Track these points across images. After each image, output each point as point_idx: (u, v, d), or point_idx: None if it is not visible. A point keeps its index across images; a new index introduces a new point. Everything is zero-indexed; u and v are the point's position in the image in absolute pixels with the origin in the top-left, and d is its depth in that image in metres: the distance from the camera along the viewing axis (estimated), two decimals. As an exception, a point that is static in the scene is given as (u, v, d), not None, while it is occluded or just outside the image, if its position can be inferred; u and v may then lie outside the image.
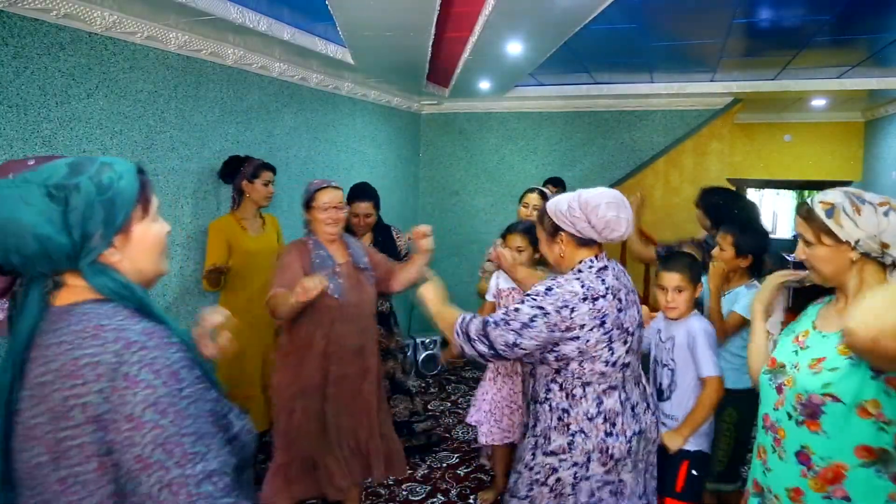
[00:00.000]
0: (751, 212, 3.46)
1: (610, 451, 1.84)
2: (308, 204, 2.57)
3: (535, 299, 1.80)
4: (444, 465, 3.63)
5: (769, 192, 9.90)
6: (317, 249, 2.52)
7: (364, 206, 3.39)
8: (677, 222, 6.19)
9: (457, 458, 3.69)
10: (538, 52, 3.72)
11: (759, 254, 2.58)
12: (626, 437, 1.85)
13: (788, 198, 10.02)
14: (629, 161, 5.41)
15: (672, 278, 2.30)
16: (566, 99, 5.33)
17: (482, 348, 1.81)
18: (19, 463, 0.88)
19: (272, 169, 3.17)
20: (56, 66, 2.48)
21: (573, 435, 1.85)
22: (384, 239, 3.49)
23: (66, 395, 0.84)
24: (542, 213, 1.93)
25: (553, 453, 1.87)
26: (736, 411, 2.40)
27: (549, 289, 1.80)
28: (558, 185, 4.63)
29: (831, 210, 1.40)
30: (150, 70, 2.91)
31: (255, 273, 3.01)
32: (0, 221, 0.88)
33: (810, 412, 1.41)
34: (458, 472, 3.55)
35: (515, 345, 1.77)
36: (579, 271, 1.85)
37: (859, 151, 6.33)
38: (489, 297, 3.07)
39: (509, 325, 1.78)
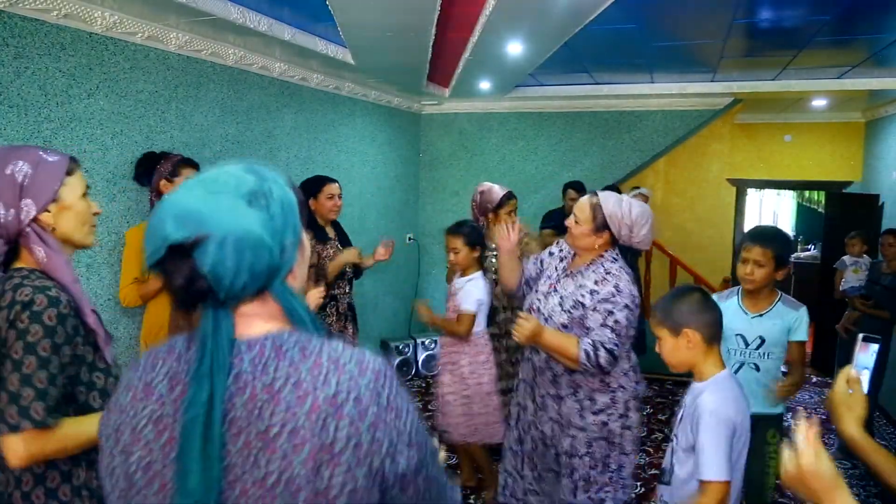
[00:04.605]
0: None
1: (638, 396, 2.30)
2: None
3: (616, 302, 2.14)
4: (444, 465, 3.63)
5: (769, 192, 9.90)
6: None
7: (338, 187, 3.36)
8: (678, 223, 6.20)
9: (456, 458, 3.69)
10: (538, 52, 3.72)
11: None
12: (643, 382, 2.35)
13: (788, 198, 10.03)
14: (629, 161, 5.41)
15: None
16: (566, 99, 5.33)
17: (608, 367, 2.15)
18: None
19: (195, 165, 2.75)
20: (57, 66, 2.49)
21: (613, 391, 2.24)
22: (340, 229, 3.52)
23: (332, 440, 0.74)
24: (598, 205, 2.20)
25: (601, 410, 2.24)
26: (778, 432, 2.41)
27: (618, 286, 2.15)
28: (581, 190, 4.63)
29: None
30: (150, 70, 2.91)
31: None
32: (234, 234, 0.75)
33: None
34: (458, 472, 3.55)
35: (623, 345, 2.17)
36: (615, 259, 2.24)
37: (859, 151, 6.32)
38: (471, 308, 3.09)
39: (620, 336, 2.14)
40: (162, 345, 0.86)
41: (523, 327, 2.10)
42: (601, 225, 2.20)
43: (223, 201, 0.77)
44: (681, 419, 1.75)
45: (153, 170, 2.70)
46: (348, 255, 3.26)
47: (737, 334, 2.42)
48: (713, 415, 1.59)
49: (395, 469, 0.78)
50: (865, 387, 1.29)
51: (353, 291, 3.51)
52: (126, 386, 0.83)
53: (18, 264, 1.33)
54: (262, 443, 0.74)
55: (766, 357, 2.38)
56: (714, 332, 1.69)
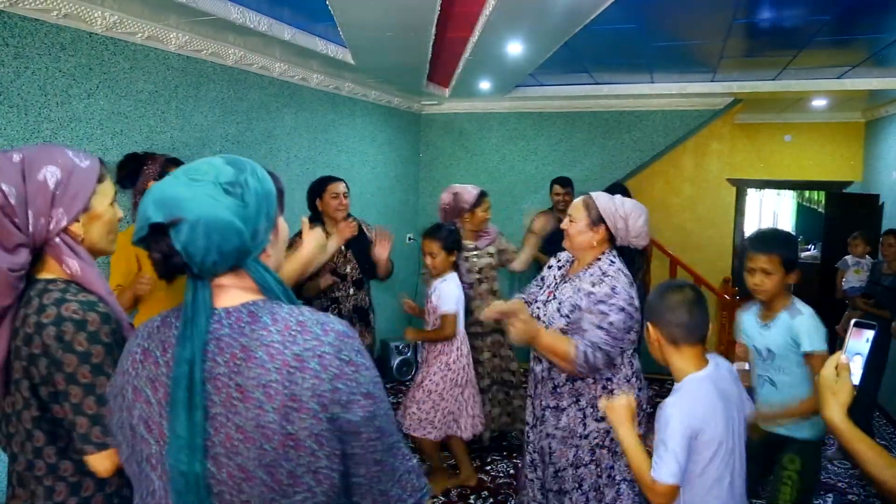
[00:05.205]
0: None
1: (641, 404, 2.22)
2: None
3: (611, 304, 2.09)
4: (444, 465, 3.63)
5: (769, 192, 9.90)
6: None
7: (344, 186, 3.28)
8: (678, 223, 6.19)
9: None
10: (538, 52, 3.72)
11: None
12: (646, 389, 2.28)
13: (788, 198, 10.03)
14: (629, 161, 5.41)
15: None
16: (566, 99, 5.33)
17: (605, 370, 2.16)
18: (222, 470, 0.87)
19: (181, 164, 2.71)
20: (57, 66, 2.48)
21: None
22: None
23: (298, 391, 0.86)
24: (591, 200, 2.23)
25: (603, 418, 2.13)
26: (799, 458, 2.19)
27: (614, 288, 2.11)
28: (567, 185, 4.62)
29: None
30: (150, 70, 2.91)
31: (177, 287, 2.58)
32: (205, 218, 0.87)
33: None
34: (458, 472, 3.55)
35: (624, 351, 2.16)
36: (612, 262, 2.19)
37: (859, 151, 6.32)
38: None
39: (618, 340, 2.10)
40: (156, 317, 0.99)
41: (517, 327, 2.04)
42: (596, 219, 2.20)
43: (201, 189, 0.89)
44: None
45: (138, 171, 2.59)
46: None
47: (754, 346, 2.28)
48: (669, 418, 1.56)
49: (350, 417, 0.89)
50: (858, 372, 1.25)
51: (361, 294, 3.39)
52: (127, 352, 0.98)
53: (45, 274, 1.26)
54: (241, 394, 0.87)
55: (779, 371, 2.20)
56: (681, 335, 1.61)
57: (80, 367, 1.19)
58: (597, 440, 2.20)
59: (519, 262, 3.60)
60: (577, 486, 2.23)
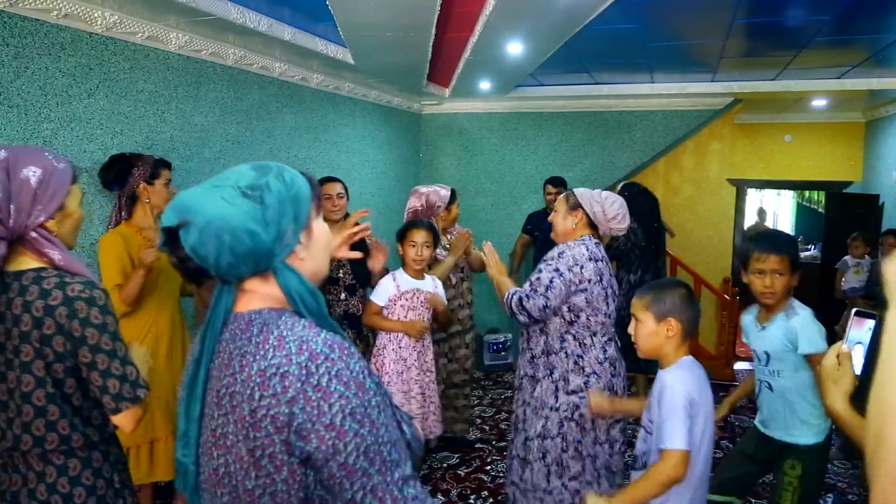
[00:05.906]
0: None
1: (615, 389, 2.35)
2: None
3: (550, 263, 2.30)
4: (445, 465, 3.63)
5: (769, 193, 9.90)
6: None
7: (339, 187, 3.19)
8: (678, 223, 6.20)
9: (457, 458, 3.69)
10: (538, 52, 3.72)
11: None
12: (622, 377, 2.41)
13: (788, 198, 10.02)
14: (629, 161, 5.41)
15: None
16: (566, 99, 5.33)
17: (524, 319, 2.30)
18: (205, 469, 0.91)
19: (170, 165, 2.66)
20: (57, 66, 2.48)
21: (588, 376, 2.31)
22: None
23: (255, 407, 0.84)
24: (571, 192, 2.46)
25: (574, 392, 2.31)
26: (800, 464, 2.12)
27: (561, 253, 2.31)
28: (559, 184, 4.62)
29: None
30: (150, 70, 2.91)
31: (167, 290, 2.57)
32: (215, 221, 0.87)
33: None
34: (459, 472, 3.55)
35: (546, 307, 2.25)
36: (582, 240, 2.36)
37: (859, 151, 6.32)
38: (379, 301, 2.96)
39: (537, 292, 2.26)
40: None
41: (493, 261, 2.47)
42: (574, 204, 2.42)
43: (217, 193, 0.89)
44: (649, 406, 1.80)
45: (126, 173, 2.54)
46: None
47: (753, 349, 2.23)
48: (672, 388, 1.68)
49: (304, 447, 0.84)
50: (860, 361, 1.23)
51: (353, 300, 3.25)
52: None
53: (19, 265, 1.35)
54: (217, 400, 0.90)
55: (776, 375, 2.14)
56: (692, 328, 1.78)
57: (101, 337, 1.34)
58: (566, 413, 2.30)
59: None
60: (540, 456, 2.35)
